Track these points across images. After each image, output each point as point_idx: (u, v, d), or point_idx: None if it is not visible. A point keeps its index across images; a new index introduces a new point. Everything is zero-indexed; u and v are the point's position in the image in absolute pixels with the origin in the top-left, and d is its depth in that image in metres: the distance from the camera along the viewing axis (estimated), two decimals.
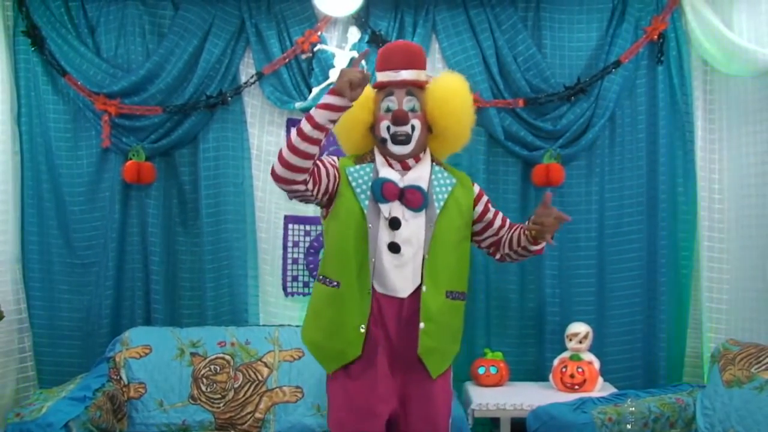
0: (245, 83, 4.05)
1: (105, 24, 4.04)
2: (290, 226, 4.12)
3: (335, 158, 2.55)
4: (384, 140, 2.48)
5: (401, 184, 2.45)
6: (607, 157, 4.09)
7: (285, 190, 2.40)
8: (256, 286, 4.13)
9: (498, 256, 2.67)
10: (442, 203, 2.48)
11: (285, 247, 4.11)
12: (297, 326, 3.92)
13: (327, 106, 2.25)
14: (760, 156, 3.75)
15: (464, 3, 4.03)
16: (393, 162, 2.50)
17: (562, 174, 3.98)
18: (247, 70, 4.11)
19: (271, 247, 4.13)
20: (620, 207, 4.08)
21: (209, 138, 4.06)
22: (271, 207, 4.14)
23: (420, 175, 2.49)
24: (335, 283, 2.45)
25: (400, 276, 2.42)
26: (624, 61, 3.98)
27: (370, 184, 2.46)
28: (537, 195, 4.08)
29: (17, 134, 4.02)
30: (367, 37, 4.01)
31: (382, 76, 2.51)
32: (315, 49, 4.00)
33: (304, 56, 4.02)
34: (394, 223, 2.41)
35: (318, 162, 2.43)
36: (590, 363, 3.82)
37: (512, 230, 2.62)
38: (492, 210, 2.63)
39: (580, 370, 3.79)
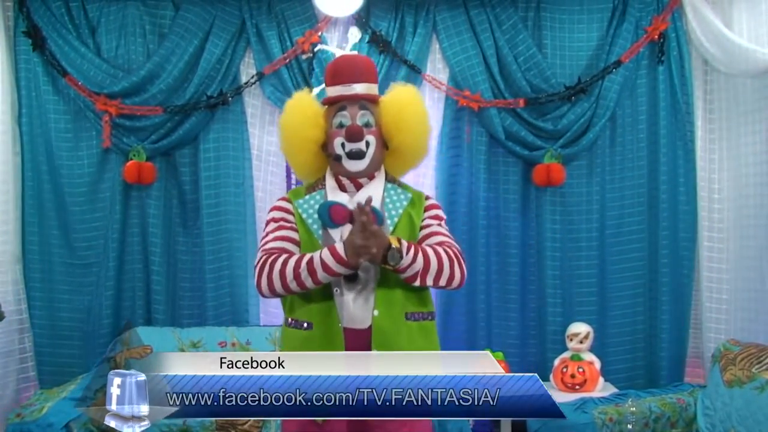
0: (246, 83, 4.05)
1: (106, 24, 4.04)
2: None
3: (285, 202, 2.41)
4: (338, 157, 2.33)
5: (351, 205, 2.25)
6: (607, 157, 4.09)
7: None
8: None
9: None
10: (395, 220, 2.32)
11: None
12: None
13: (334, 274, 2.17)
14: (760, 156, 3.75)
15: (465, 3, 4.03)
16: (345, 183, 2.36)
17: (563, 174, 3.98)
18: (247, 71, 4.11)
19: None
20: (621, 207, 4.07)
21: (210, 138, 4.06)
22: None
23: (371, 193, 2.30)
24: (307, 325, 2.28)
25: (359, 305, 2.25)
26: (624, 61, 3.98)
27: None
28: (538, 195, 4.08)
29: (18, 134, 4.02)
30: (367, 38, 4.01)
31: (332, 91, 2.38)
32: (315, 49, 4.00)
33: (304, 56, 4.02)
34: None
35: (288, 241, 2.32)
36: (591, 363, 3.82)
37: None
38: (435, 228, 2.38)
39: (580, 370, 3.79)
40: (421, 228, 2.37)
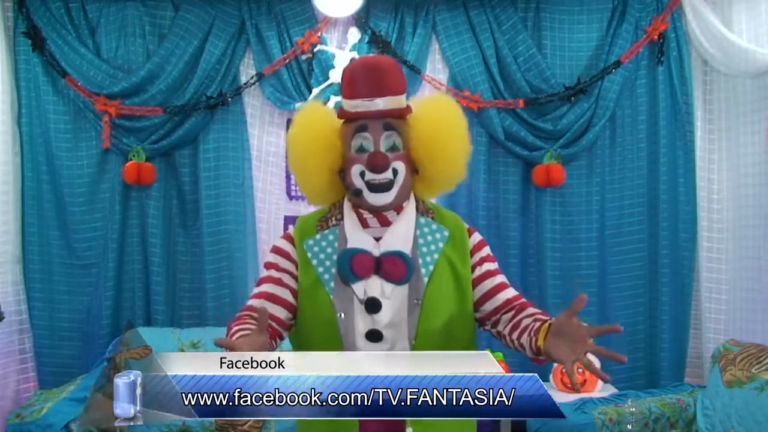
0: (245, 84, 4.06)
1: (105, 25, 4.04)
2: (290, 226, 4.10)
3: (287, 240, 1.99)
4: (358, 191, 1.89)
5: (377, 252, 1.87)
6: (607, 157, 4.09)
7: None
8: None
9: (493, 331, 2.05)
10: (431, 268, 1.88)
11: None
12: None
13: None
14: (759, 156, 3.76)
15: (464, 3, 4.03)
16: (368, 218, 1.92)
17: (563, 174, 3.98)
18: (247, 71, 4.11)
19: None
20: (621, 207, 4.08)
21: (209, 139, 4.06)
22: (271, 207, 4.14)
23: (401, 234, 1.90)
24: None
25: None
26: (624, 61, 3.98)
27: (335, 257, 1.89)
28: (537, 195, 4.08)
29: (17, 135, 4.02)
30: (367, 38, 4.01)
31: (350, 105, 1.92)
32: (315, 49, 4.00)
33: (304, 57, 4.02)
34: (373, 306, 1.84)
35: (269, 299, 1.92)
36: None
37: (521, 319, 1.93)
38: (499, 280, 1.98)
39: (580, 370, 3.79)
40: (475, 269, 1.96)
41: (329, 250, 1.91)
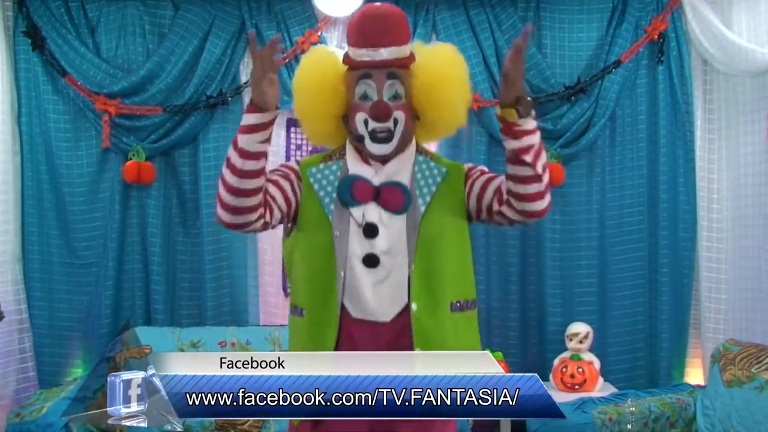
0: (245, 83, 4.05)
1: (105, 24, 4.04)
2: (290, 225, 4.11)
3: (295, 162, 2.10)
4: (360, 138, 1.99)
5: (376, 181, 1.99)
6: (607, 157, 4.09)
7: (239, 230, 1.97)
8: (256, 286, 4.13)
9: (502, 208, 1.99)
10: (428, 199, 1.99)
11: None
12: None
13: (250, 129, 1.87)
14: (759, 156, 3.76)
15: (464, 3, 4.03)
16: (369, 156, 2.03)
17: (563, 174, 3.98)
18: (247, 70, 4.10)
19: (271, 247, 4.13)
20: (621, 206, 4.08)
21: (209, 138, 4.06)
22: None
23: (400, 168, 2.02)
24: (299, 311, 2.01)
25: (380, 295, 1.94)
26: (624, 61, 3.98)
27: (336, 184, 2.00)
28: None
29: (17, 134, 4.02)
30: None
31: (356, 54, 2.00)
32: None
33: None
34: (370, 230, 1.95)
35: (270, 181, 1.99)
36: (590, 363, 3.82)
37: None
38: (481, 176, 2.06)
39: (580, 370, 3.79)
40: (472, 186, 2.03)
41: (331, 177, 2.01)
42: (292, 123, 4.11)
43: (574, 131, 4.00)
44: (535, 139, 1.86)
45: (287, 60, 4.01)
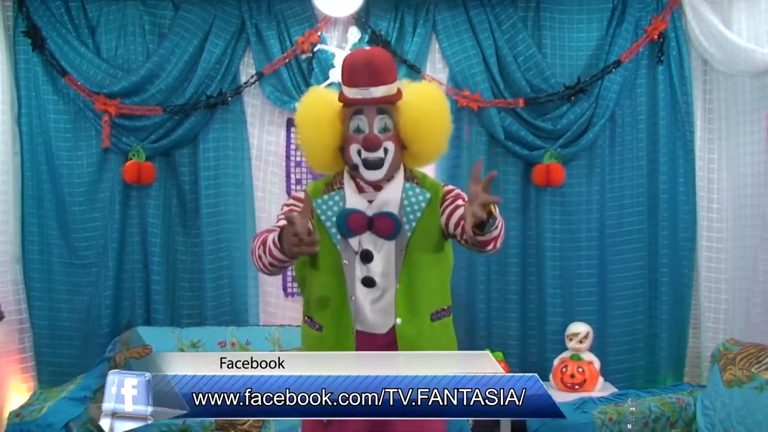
0: (245, 83, 4.06)
1: (105, 24, 4.04)
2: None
3: (303, 193, 2.32)
4: (355, 166, 2.27)
5: (370, 212, 2.26)
6: (607, 157, 4.09)
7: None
8: (256, 286, 4.13)
9: (461, 241, 2.26)
10: (413, 225, 2.26)
11: None
12: (297, 326, 3.92)
13: (280, 261, 2.14)
14: (758, 156, 3.76)
15: (464, 3, 4.03)
16: (363, 183, 2.30)
17: (563, 174, 3.98)
18: (247, 70, 4.11)
19: None
20: (621, 207, 4.08)
21: (209, 138, 4.06)
22: (271, 207, 4.14)
23: (389, 197, 2.28)
24: (318, 326, 2.28)
25: (377, 311, 2.23)
26: (624, 61, 3.98)
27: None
28: (537, 195, 4.08)
29: (17, 134, 4.02)
30: (367, 38, 4.01)
31: (349, 93, 2.27)
32: (315, 49, 4.00)
33: (304, 56, 4.02)
34: (366, 256, 2.24)
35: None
36: (590, 363, 3.82)
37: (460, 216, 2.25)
38: (455, 200, 2.30)
39: (580, 369, 3.79)
40: (444, 211, 2.28)
41: (335, 208, 2.28)
42: (292, 123, 4.11)
43: (574, 131, 4.00)
44: (495, 232, 2.09)
45: (287, 59, 4.01)
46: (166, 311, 4.05)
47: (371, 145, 2.23)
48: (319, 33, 4.01)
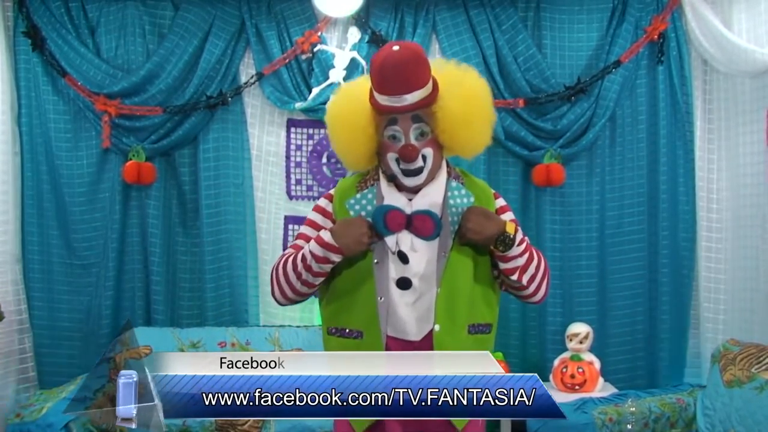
0: (245, 83, 4.06)
1: (105, 24, 4.04)
2: (290, 226, 4.13)
3: (328, 200, 2.21)
4: (393, 176, 2.12)
5: (409, 210, 2.09)
6: (607, 157, 4.09)
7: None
8: (257, 287, 4.13)
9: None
10: (457, 227, 2.09)
11: (285, 248, 4.11)
12: (297, 326, 3.93)
13: (326, 261, 2.05)
14: (758, 156, 3.76)
15: (464, 3, 4.03)
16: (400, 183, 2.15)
17: (563, 174, 3.98)
18: (247, 71, 4.11)
19: (271, 248, 4.13)
20: (621, 207, 4.08)
21: (209, 138, 4.06)
22: (271, 207, 4.14)
23: (431, 196, 2.12)
24: (357, 334, 2.10)
25: (413, 316, 2.06)
26: (624, 61, 3.98)
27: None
28: (537, 195, 4.08)
29: (17, 135, 4.02)
30: (367, 38, 4.01)
31: (381, 99, 2.08)
32: (315, 49, 4.01)
33: (304, 56, 4.02)
34: (402, 257, 2.07)
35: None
36: (591, 363, 3.82)
37: None
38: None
39: (580, 370, 3.79)
40: None
41: (369, 207, 2.12)
42: (292, 123, 4.11)
43: (574, 131, 4.00)
44: (521, 261, 2.06)
45: (287, 60, 4.01)
46: (166, 311, 4.05)
47: (408, 157, 2.06)
48: (319, 33, 4.01)
